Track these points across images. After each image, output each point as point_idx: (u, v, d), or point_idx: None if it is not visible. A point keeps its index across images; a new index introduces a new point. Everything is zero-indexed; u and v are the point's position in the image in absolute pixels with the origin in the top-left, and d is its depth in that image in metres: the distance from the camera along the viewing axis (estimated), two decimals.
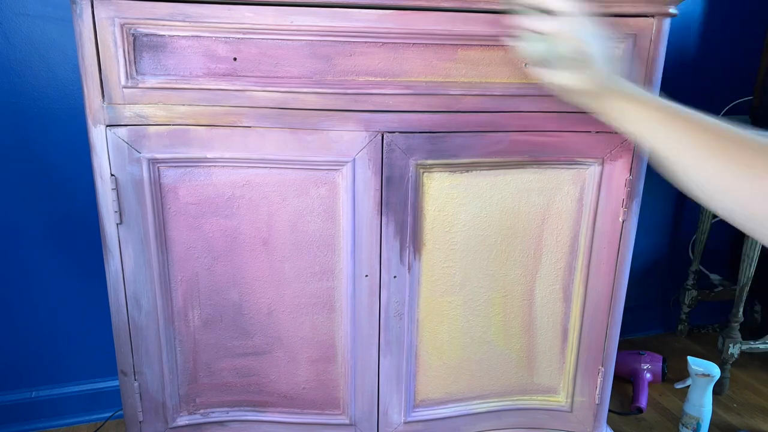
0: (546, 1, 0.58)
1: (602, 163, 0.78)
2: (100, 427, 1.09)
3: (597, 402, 0.90)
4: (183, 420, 0.82)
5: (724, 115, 1.32)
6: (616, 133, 0.76)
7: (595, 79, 0.58)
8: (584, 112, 0.75)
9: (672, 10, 0.72)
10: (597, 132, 0.76)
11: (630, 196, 0.79)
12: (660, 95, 0.74)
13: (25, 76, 0.94)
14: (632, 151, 0.77)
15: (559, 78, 0.60)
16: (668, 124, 0.51)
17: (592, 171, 0.78)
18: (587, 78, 0.58)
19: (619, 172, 0.78)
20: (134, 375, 0.78)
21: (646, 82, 0.75)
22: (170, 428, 0.82)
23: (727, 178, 0.45)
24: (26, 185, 0.99)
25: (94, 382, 1.11)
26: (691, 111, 0.52)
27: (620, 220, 0.80)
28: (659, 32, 0.73)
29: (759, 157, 0.44)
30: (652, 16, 0.72)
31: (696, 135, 0.49)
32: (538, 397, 0.90)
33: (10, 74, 0.94)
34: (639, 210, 0.81)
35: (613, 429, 0.95)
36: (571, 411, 0.90)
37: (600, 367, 0.88)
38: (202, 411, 0.83)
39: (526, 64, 0.66)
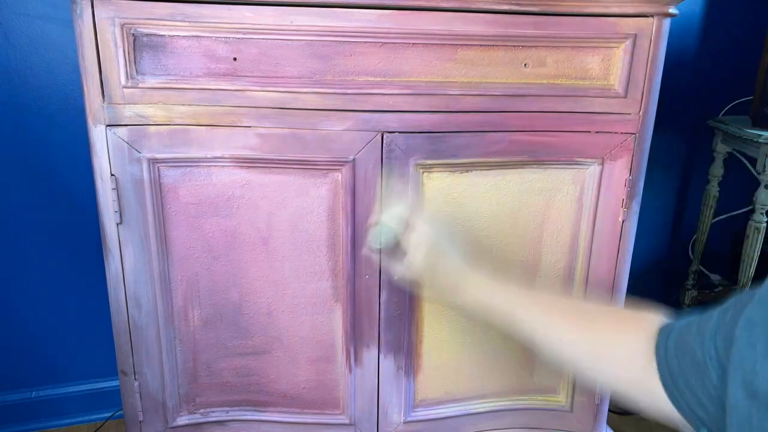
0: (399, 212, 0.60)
1: (602, 163, 0.77)
2: (100, 427, 1.09)
3: (597, 402, 0.89)
4: (183, 419, 0.82)
5: (724, 115, 1.31)
6: (616, 132, 0.76)
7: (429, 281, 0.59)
8: (584, 112, 0.75)
9: (672, 10, 0.72)
10: (597, 132, 0.76)
11: (630, 196, 0.79)
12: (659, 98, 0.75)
13: (25, 76, 0.94)
14: (632, 150, 0.77)
15: (399, 269, 0.61)
16: (533, 308, 0.52)
17: (591, 171, 0.78)
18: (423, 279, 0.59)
19: (618, 172, 0.78)
20: (134, 375, 0.78)
21: (646, 83, 0.74)
22: (170, 428, 0.82)
23: (589, 346, 0.47)
24: (25, 185, 0.99)
25: (94, 382, 1.11)
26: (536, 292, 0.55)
27: (620, 220, 0.80)
28: (659, 32, 0.72)
29: (601, 320, 0.47)
30: (652, 16, 0.72)
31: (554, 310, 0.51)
32: (538, 397, 0.89)
33: (10, 74, 0.93)
34: (639, 210, 0.80)
35: (613, 429, 0.95)
36: (571, 411, 0.90)
37: None
38: (202, 410, 0.83)
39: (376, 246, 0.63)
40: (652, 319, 0.44)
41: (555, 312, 0.51)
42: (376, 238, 0.61)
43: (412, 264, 0.59)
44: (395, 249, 0.60)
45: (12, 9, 0.91)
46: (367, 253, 0.64)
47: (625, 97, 0.74)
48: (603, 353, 0.46)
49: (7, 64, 0.92)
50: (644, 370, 0.41)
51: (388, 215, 0.61)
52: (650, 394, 0.41)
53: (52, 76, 0.95)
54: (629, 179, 0.78)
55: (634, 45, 0.72)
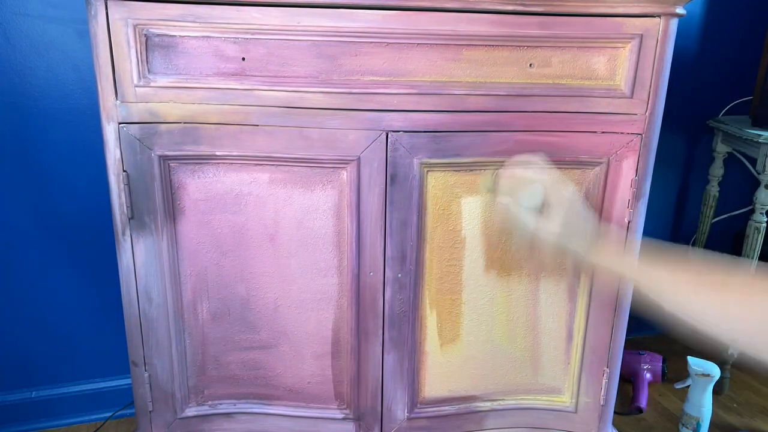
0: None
1: (607, 164, 0.71)
2: (100, 427, 1.02)
3: (602, 403, 0.83)
4: (191, 411, 0.78)
5: (724, 115, 1.24)
6: (621, 133, 0.71)
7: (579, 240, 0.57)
8: (590, 113, 0.70)
9: (679, 10, 0.66)
10: (602, 132, 0.70)
11: (636, 197, 0.73)
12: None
13: (25, 76, 0.88)
14: (638, 151, 0.71)
15: (545, 226, 0.58)
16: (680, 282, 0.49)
17: (597, 171, 0.72)
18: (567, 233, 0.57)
19: (624, 173, 0.72)
20: (145, 366, 0.74)
21: (653, 83, 0.69)
22: (179, 419, 0.78)
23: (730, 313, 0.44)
24: (25, 184, 0.92)
25: (94, 382, 1.04)
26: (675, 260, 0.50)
27: (626, 221, 0.74)
28: (666, 32, 0.67)
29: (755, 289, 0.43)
30: (659, 16, 0.66)
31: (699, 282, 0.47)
32: (543, 397, 0.83)
33: (10, 74, 0.87)
34: (645, 211, 0.75)
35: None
36: (576, 412, 0.84)
37: (605, 368, 0.81)
38: (210, 402, 0.79)
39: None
40: None
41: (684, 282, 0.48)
42: (530, 197, 0.59)
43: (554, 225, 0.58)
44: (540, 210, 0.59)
45: (12, 9, 0.85)
46: (507, 203, 0.61)
47: (631, 97, 0.69)
48: (737, 311, 0.43)
49: (7, 64, 0.87)
50: None
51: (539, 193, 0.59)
52: None
53: (52, 76, 0.89)
54: (635, 180, 0.72)
55: (640, 45, 0.66)
